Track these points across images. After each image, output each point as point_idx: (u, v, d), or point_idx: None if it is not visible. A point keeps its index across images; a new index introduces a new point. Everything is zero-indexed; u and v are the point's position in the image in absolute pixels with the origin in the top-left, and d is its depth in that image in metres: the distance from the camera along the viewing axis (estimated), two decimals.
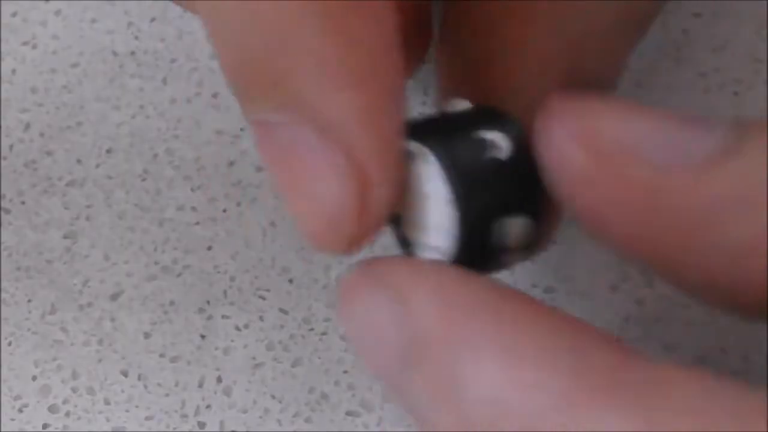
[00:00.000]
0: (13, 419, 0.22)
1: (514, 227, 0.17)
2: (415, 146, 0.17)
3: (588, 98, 0.15)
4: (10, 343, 0.22)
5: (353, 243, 0.17)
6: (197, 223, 0.23)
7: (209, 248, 0.23)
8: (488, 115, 0.17)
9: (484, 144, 0.16)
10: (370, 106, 0.16)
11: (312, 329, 0.22)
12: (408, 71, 0.21)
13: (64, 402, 0.22)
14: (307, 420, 0.21)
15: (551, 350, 0.13)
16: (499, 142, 0.16)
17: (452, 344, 0.14)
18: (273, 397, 0.22)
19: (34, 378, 0.22)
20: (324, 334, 0.22)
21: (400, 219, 0.18)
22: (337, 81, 0.16)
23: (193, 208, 0.24)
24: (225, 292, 0.23)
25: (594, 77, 0.20)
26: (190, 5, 0.19)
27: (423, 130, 0.17)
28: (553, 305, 0.22)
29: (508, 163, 0.16)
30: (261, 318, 0.22)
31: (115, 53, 0.25)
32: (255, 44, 0.16)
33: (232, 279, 0.23)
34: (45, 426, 0.22)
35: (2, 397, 0.22)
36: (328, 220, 0.16)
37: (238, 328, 0.22)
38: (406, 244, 0.18)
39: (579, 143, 0.14)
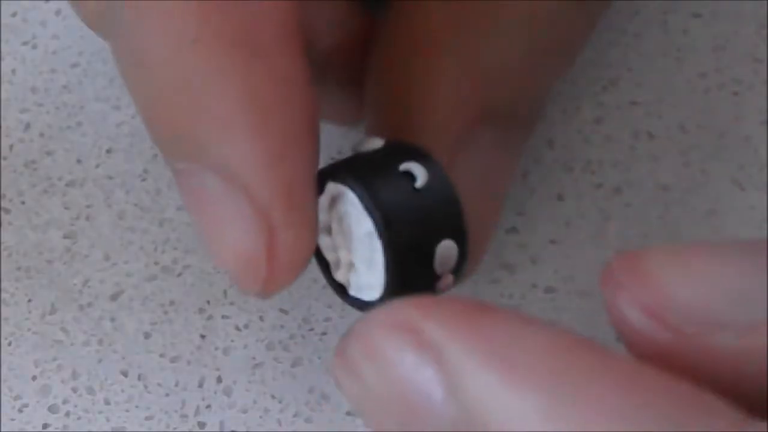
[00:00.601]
0: (13, 419, 0.22)
1: (441, 252, 0.17)
2: (333, 187, 0.17)
3: (648, 257, 0.13)
4: (10, 343, 0.22)
5: (270, 285, 0.17)
6: None
7: None
8: (401, 149, 0.17)
9: (399, 175, 0.17)
10: (268, 154, 0.16)
11: (312, 329, 0.22)
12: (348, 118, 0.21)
13: (64, 402, 0.22)
14: (307, 420, 0.21)
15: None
16: (414, 171, 0.17)
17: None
18: (273, 397, 0.22)
19: (34, 378, 0.22)
20: (324, 334, 0.22)
21: (329, 264, 0.18)
22: (233, 132, 0.16)
23: None
24: (225, 292, 0.23)
25: (512, 113, 0.20)
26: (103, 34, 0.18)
27: (340, 172, 0.17)
28: (554, 306, 0.22)
29: (426, 191, 0.17)
30: (261, 318, 0.22)
31: None
32: (160, 101, 0.16)
33: None
34: (45, 426, 0.22)
35: (2, 397, 0.22)
36: (240, 263, 0.17)
37: (238, 328, 0.22)
38: (340, 288, 0.18)
39: (650, 316, 0.13)
